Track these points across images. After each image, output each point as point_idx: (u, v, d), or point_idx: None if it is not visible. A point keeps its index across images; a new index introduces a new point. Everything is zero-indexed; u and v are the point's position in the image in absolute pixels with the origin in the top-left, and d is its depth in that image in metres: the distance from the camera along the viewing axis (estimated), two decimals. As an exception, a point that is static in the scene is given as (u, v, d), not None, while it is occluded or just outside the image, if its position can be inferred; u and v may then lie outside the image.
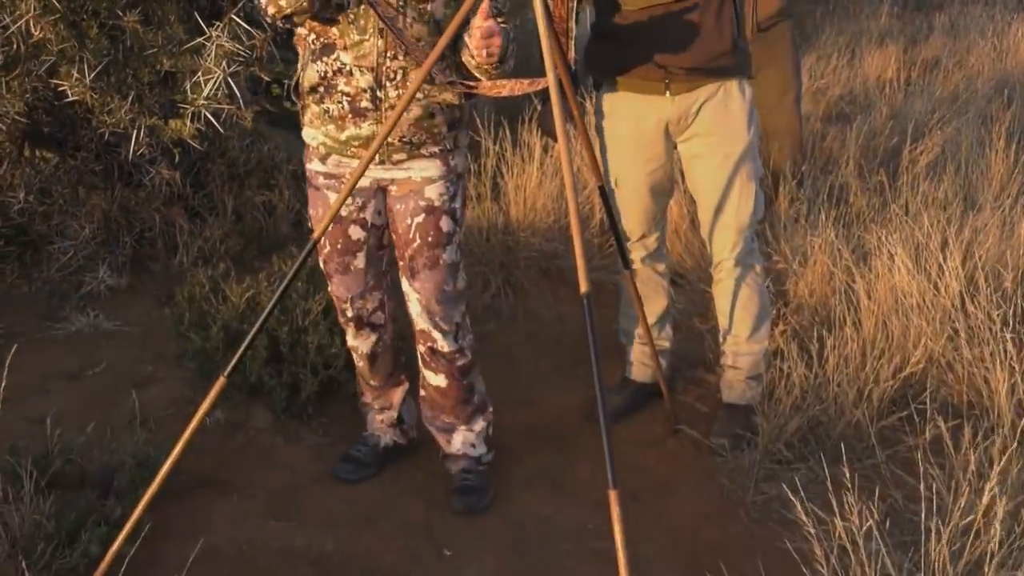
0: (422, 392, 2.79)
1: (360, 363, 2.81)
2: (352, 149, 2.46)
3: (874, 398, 3.00)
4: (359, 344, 2.77)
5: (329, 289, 2.73)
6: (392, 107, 2.37)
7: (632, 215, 2.97)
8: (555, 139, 2.95)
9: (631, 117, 2.87)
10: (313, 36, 2.41)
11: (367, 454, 2.90)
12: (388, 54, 2.36)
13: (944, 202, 4.11)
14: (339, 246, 2.60)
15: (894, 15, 8.27)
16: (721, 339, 3.09)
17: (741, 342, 3.02)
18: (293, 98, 2.54)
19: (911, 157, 4.81)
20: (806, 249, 3.77)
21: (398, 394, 2.92)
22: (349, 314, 2.70)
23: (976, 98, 5.92)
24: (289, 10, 2.24)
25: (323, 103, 2.45)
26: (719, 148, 2.84)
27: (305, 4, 2.22)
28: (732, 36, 2.78)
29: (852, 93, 6.09)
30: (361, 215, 2.58)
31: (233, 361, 2.21)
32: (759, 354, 3.05)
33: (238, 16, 3.27)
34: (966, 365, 3.12)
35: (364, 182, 2.51)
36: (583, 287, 1.83)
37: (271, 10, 2.25)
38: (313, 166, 2.57)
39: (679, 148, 2.92)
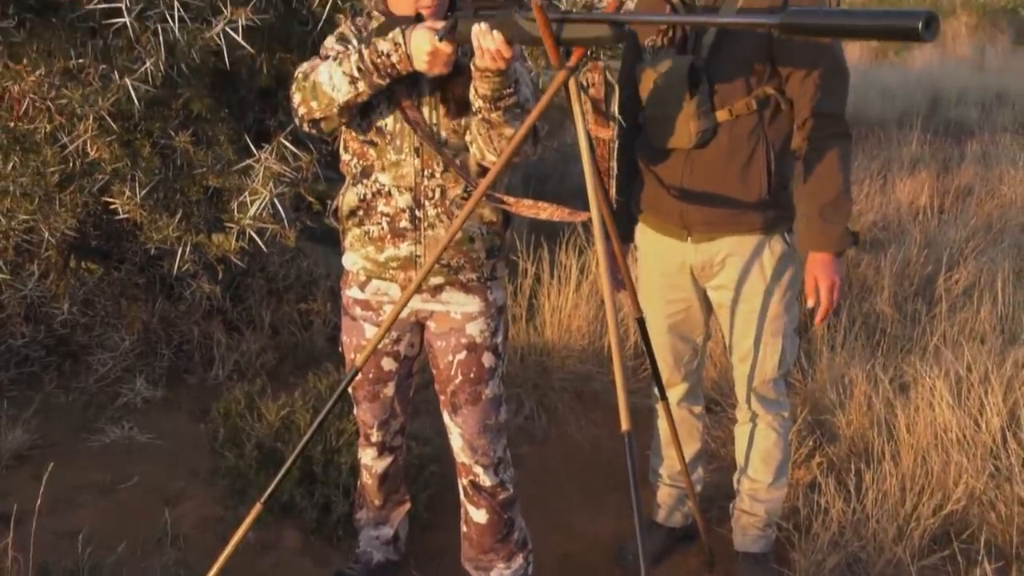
0: (464, 528, 2.73)
1: (369, 481, 2.80)
2: (391, 271, 2.45)
3: (915, 536, 2.93)
4: (374, 465, 2.77)
5: (355, 412, 2.74)
6: (431, 226, 2.36)
7: (659, 355, 2.80)
8: None
9: (656, 255, 2.78)
10: (354, 160, 2.42)
11: (360, 572, 2.86)
12: (425, 172, 2.35)
13: (982, 334, 4.09)
14: (371, 375, 2.60)
15: (925, 142, 8.35)
16: (736, 481, 2.98)
17: (761, 489, 2.90)
18: (332, 222, 2.55)
19: (946, 286, 4.80)
20: (843, 379, 3.74)
21: (398, 513, 2.91)
22: (373, 439, 2.72)
23: (1010, 227, 5.93)
24: (319, 115, 2.27)
25: (363, 225, 2.45)
26: (743, 303, 2.69)
27: (335, 111, 2.25)
28: (763, 188, 2.55)
29: (885, 219, 6.12)
30: (395, 347, 2.58)
31: (269, 488, 2.20)
32: (779, 501, 2.94)
33: (286, 139, 3.35)
34: (1009, 504, 3.05)
35: (403, 313, 2.51)
36: (624, 425, 1.82)
37: (302, 111, 2.29)
38: (352, 293, 2.55)
39: (708, 292, 2.78)
